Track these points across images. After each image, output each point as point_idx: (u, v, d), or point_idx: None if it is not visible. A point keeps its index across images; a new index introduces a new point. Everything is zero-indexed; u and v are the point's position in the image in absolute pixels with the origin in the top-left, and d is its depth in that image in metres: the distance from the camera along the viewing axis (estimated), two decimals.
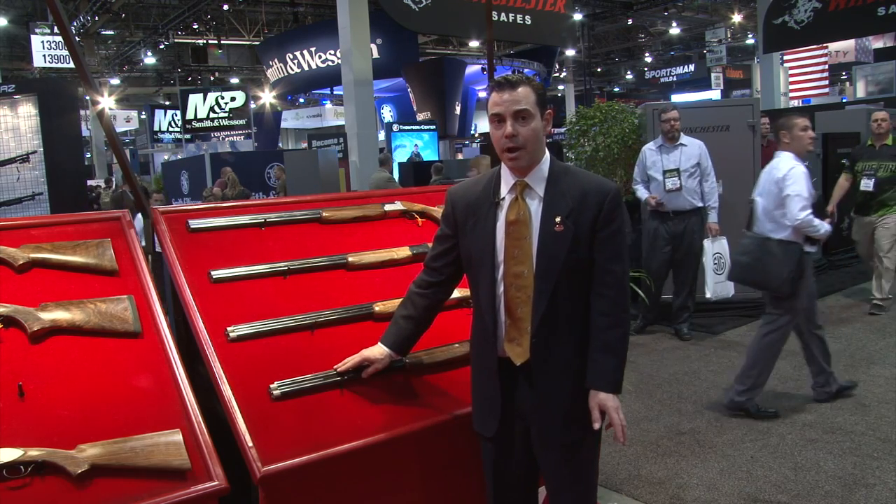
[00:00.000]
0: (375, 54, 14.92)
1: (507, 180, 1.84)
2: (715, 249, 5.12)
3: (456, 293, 2.25)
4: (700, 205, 5.22)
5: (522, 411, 1.85)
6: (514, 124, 1.75)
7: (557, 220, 1.75)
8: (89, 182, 16.46)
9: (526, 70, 19.98)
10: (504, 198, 1.83)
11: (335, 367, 1.94)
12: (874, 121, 5.97)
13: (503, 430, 1.86)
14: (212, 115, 16.41)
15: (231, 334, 1.91)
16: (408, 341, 1.99)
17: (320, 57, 17.89)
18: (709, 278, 5.12)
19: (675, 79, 26.98)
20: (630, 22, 23.57)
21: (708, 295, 5.16)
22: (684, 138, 5.24)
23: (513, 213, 1.80)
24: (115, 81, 23.96)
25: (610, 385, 1.77)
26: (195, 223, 2.15)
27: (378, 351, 1.95)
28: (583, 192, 1.76)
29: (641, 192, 5.38)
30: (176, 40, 20.73)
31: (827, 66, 16.12)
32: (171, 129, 20.93)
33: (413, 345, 2.01)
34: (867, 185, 5.81)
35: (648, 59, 28.60)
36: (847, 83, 21.51)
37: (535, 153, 1.79)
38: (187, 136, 16.84)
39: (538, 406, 1.82)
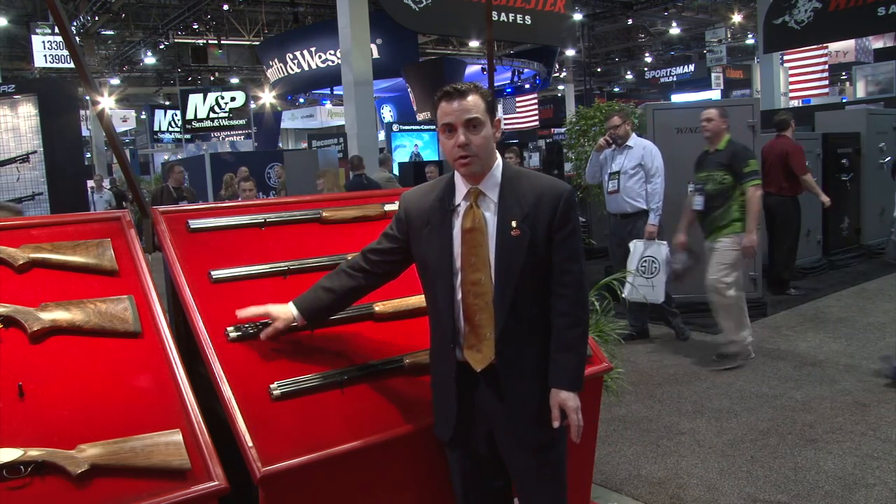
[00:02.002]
0: (375, 54, 14.91)
1: (460, 188, 1.84)
2: (647, 252, 4.99)
3: None
4: (644, 207, 5.12)
5: (485, 415, 1.85)
6: (466, 133, 1.76)
7: (513, 224, 1.76)
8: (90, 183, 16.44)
9: (526, 70, 19.99)
10: (459, 205, 1.83)
11: (236, 311, 1.90)
12: (701, 121, 4.78)
13: (459, 435, 1.86)
14: (212, 115, 16.42)
15: (231, 334, 1.91)
16: (320, 313, 1.94)
17: (320, 57, 17.87)
18: (629, 278, 4.84)
19: (675, 79, 26.96)
20: (630, 22, 23.55)
21: (624, 295, 4.69)
22: (633, 140, 5.21)
23: (468, 220, 1.80)
24: (115, 81, 23.95)
25: (570, 383, 1.78)
26: (195, 223, 2.15)
27: (284, 311, 1.90)
28: (537, 196, 1.78)
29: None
30: (176, 40, 20.71)
31: (827, 66, 16.11)
32: (171, 129, 20.94)
33: (324, 319, 1.96)
34: (697, 203, 4.65)
35: (648, 59, 28.59)
36: (847, 83, 21.51)
37: (487, 160, 1.80)
38: (187, 136, 16.85)
39: (507, 410, 1.82)
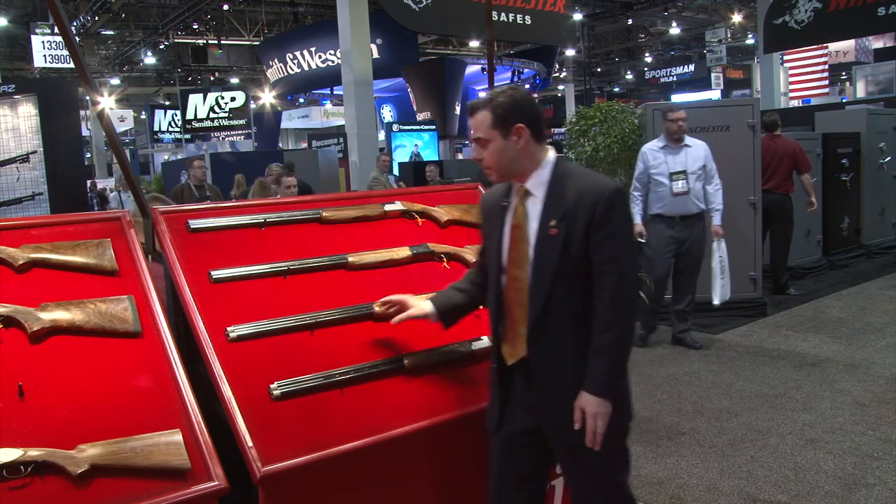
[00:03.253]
0: (375, 54, 14.90)
1: (514, 186, 1.90)
2: (720, 253, 4.99)
3: None
4: (704, 208, 5.02)
5: (525, 410, 1.87)
6: (478, 149, 1.85)
7: (552, 223, 1.78)
8: (99, 184, 16.43)
9: (526, 70, 19.98)
10: (511, 202, 1.89)
11: (380, 301, 2.05)
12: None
13: (503, 426, 1.90)
14: (212, 115, 16.40)
15: (231, 334, 1.90)
16: (454, 310, 2.04)
17: (320, 57, 17.88)
18: (716, 283, 4.98)
19: (675, 79, 26.97)
20: (630, 22, 23.55)
21: (716, 301, 5.00)
22: (688, 139, 5.03)
23: (515, 217, 1.86)
24: (115, 81, 23.95)
25: (595, 387, 1.75)
26: (195, 223, 2.14)
27: (421, 302, 2.02)
28: (578, 195, 1.77)
29: (636, 210, 5.10)
30: (176, 40, 20.71)
31: (827, 66, 16.10)
32: (171, 129, 20.92)
33: (457, 318, 2.06)
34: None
35: (648, 59, 28.59)
36: (847, 83, 21.50)
37: (508, 168, 1.85)
38: (187, 136, 16.83)
39: (539, 407, 1.85)
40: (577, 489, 1.89)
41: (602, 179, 1.84)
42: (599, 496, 1.87)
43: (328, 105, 26.22)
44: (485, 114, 1.82)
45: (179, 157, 17.28)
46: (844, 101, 15.04)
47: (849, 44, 16.36)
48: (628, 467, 1.93)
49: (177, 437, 1.65)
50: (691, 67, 26.41)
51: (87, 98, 12.36)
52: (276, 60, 19.68)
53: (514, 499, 1.93)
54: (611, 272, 1.75)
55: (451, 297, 2.04)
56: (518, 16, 11.13)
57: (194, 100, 16.39)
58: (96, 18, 17.69)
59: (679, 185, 4.94)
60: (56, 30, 14.21)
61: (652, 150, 5.10)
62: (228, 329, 1.91)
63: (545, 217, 1.80)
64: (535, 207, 1.83)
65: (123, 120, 24.17)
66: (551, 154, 1.87)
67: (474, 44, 20.65)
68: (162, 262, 2.11)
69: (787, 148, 6.42)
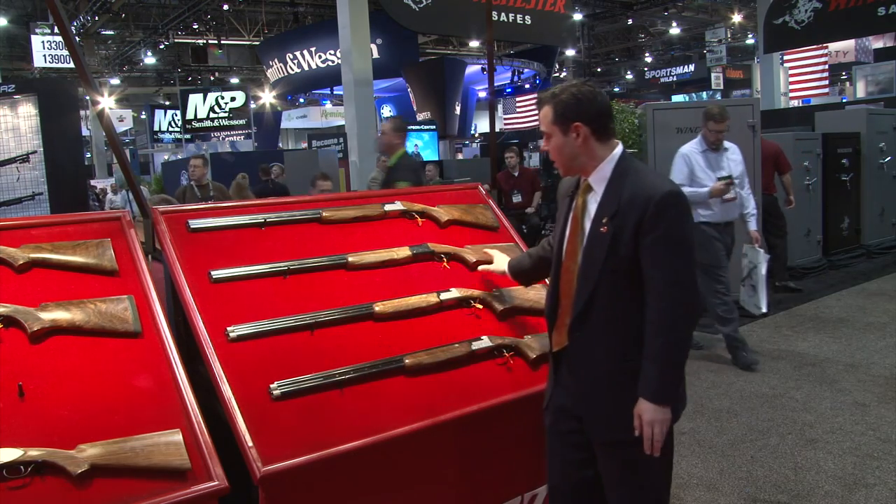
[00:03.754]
0: (375, 54, 14.90)
1: (581, 179, 1.94)
2: (760, 259, 4.75)
3: (455, 293, 2.26)
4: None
5: (571, 396, 1.90)
6: (546, 142, 1.90)
7: (604, 220, 1.79)
8: (98, 185, 16.45)
9: (526, 70, 19.98)
10: (576, 194, 1.93)
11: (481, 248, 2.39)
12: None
13: (552, 406, 1.96)
14: (212, 115, 16.39)
15: (231, 334, 1.90)
16: (522, 272, 2.26)
17: (320, 57, 17.87)
18: (761, 289, 4.72)
19: (674, 79, 26.93)
20: (630, 22, 23.56)
21: (764, 309, 4.77)
22: (725, 143, 4.80)
23: (575, 210, 1.91)
24: (115, 81, 23.94)
25: (649, 394, 1.74)
26: (195, 223, 2.14)
27: (501, 260, 2.32)
28: (631, 195, 1.76)
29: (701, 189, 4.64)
30: (176, 40, 20.71)
31: (827, 66, 16.09)
32: (171, 129, 20.91)
33: (527, 278, 2.28)
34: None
35: (648, 59, 28.58)
36: (847, 83, 21.48)
37: (569, 163, 1.88)
38: (187, 136, 16.82)
39: (577, 397, 1.88)
40: (608, 487, 1.89)
41: (658, 181, 1.79)
42: (628, 495, 1.86)
43: (328, 105, 26.22)
44: (547, 109, 1.85)
45: (179, 157, 17.27)
46: (844, 101, 15.04)
47: (849, 44, 16.36)
48: (668, 475, 1.91)
49: (177, 437, 1.65)
50: (691, 67, 26.39)
51: (87, 98, 12.36)
52: (276, 60, 19.68)
53: (564, 487, 1.96)
54: (660, 277, 1.73)
55: (522, 262, 2.26)
56: (518, 16, 11.12)
57: (194, 100, 16.39)
58: (96, 18, 17.69)
59: (730, 192, 4.66)
60: (56, 30, 14.21)
61: (694, 153, 4.79)
62: (228, 329, 1.91)
63: (599, 214, 1.82)
64: (593, 202, 1.85)
65: (122, 120, 24.15)
66: (617, 150, 1.86)
67: (474, 44, 20.64)
68: (162, 262, 2.11)
69: (769, 150, 6.41)
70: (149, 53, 21.93)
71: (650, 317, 1.75)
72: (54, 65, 15.61)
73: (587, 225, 1.85)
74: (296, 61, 18.72)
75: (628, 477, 1.85)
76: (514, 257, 2.31)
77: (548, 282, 2.05)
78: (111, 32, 21.30)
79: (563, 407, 1.92)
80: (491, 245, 2.49)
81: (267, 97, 23.23)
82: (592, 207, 1.85)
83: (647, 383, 1.75)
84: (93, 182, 14.17)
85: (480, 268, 2.33)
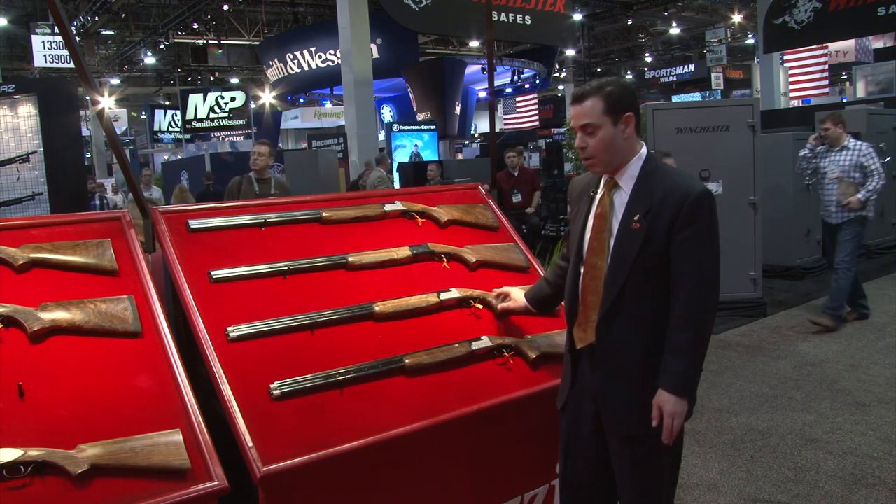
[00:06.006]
0: (375, 54, 14.91)
1: (604, 177, 1.93)
2: None
3: (455, 293, 2.26)
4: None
5: (591, 394, 1.91)
6: (583, 137, 1.85)
7: (636, 218, 1.80)
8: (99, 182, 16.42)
9: (526, 70, 19.98)
10: (599, 191, 1.92)
11: (494, 291, 2.27)
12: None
13: (571, 405, 1.97)
14: (212, 115, 16.39)
15: (231, 334, 1.90)
16: (545, 300, 2.21)
17: (320, 57, 17.88)
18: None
19: (675, 79, 26.94)
20: (630, 22, 23.54)
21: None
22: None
23: (600, 206, 1.90)
24: (115, 81, 23.94)
25: (672, 386, 1.77)
26: (195, 223, 2.14)
27: (518, 295, 2.23)
28: (665, 192, 1.79)
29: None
30: (176, 40, 20.72)
31: (827, 66, 16.10)
32: (171, 129, 20.91)
33: (550, 305, 2.23)
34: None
35: (648, 59, 28.58)
36: (847, 83, 21.49)
37: (613, 157, 1.85)
38: (187, 136, 16.83)
39: (601, 394, 1.88)
40: (620, 482, 1.90)
41: (692, 180, 1.84)
42: (640, 488, 1.87)
43: (328, 105, 26.22)
44: (596, 100, 1.82)
45: (179, 157, 17.28)
46: (844, 101, 15.04)
47: (849, 44, 16.36)
48: (676, 471, 1.94)
49: (177, 437, 1.65)
50: (691, 67, 26.39)
51: (87, 98, 12.36)
52: (276, 60, 19.68)
53: (579, 484, 1.97)
54: (690, 273, 1.77)
55: (541, 290, 2.21)
56: (518, 16, 11.13)
57: (194, 100, 16.39)
58: (96, 18, 17.69)
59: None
60: (56, 30, 14.21)
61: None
62: (228, 329, 1.91)
63: (630, 210, 1.82)
64: (620, 200, 1.86)
65: (117, 119, 24.12)
66: (644, 149, 1.88)
67: (474, 44, 20.64)
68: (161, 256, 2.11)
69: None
70: (149, 53, 21.93)
71: (677, 311, 1.78)
72: (54, 65, 15.61)
73: (615, 222, 1.85)
74: (296, 61, 18.73)
75: (643, 472, 1.86)
76: (531, 287, 2.24)
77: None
78: (111, 32, 21.30)
79: (583, 407, 1.93)
80: (491, 245, 2.49)
81: (267, 97, 23.22)
82: (620, 204, 1.85)
83: (670, 376, 1.77)
84: (99, 180, 14.14)
85: (500, 306, 2.25)
